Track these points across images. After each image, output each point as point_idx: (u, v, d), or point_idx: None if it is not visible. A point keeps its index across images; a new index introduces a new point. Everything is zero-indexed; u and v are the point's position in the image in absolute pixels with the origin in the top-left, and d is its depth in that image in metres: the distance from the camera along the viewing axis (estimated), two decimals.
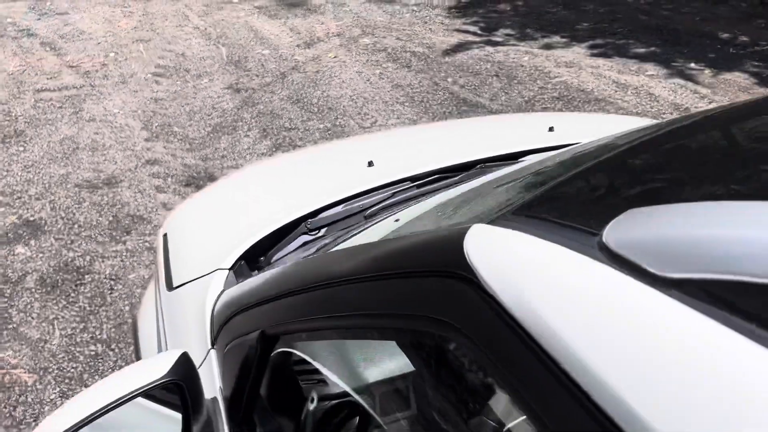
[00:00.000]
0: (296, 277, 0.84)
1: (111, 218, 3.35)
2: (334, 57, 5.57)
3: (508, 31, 6.15)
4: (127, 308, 2.74)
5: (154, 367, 0.84)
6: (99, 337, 2.59)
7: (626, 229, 0.50)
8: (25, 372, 2.43)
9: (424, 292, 0.56)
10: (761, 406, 0.35)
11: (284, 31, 6.30)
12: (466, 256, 0.53)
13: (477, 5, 6.97)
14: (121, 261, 3.02)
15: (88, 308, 2.74)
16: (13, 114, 4.66)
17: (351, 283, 0.71)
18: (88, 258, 3.04)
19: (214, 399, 0.98)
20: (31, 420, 2.23)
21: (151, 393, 0.85)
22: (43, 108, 4.75)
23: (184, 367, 0.85)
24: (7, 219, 3.37)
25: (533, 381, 0.43)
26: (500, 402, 0.61)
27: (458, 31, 6.16)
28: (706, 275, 0.42)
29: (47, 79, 5.34)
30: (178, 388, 0.84)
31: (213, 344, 1.08)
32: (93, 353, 2.51)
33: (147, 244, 3.12)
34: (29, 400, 2.31)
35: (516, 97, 4.76)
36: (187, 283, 1.34)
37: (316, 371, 0.95)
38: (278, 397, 0.89)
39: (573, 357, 0.41)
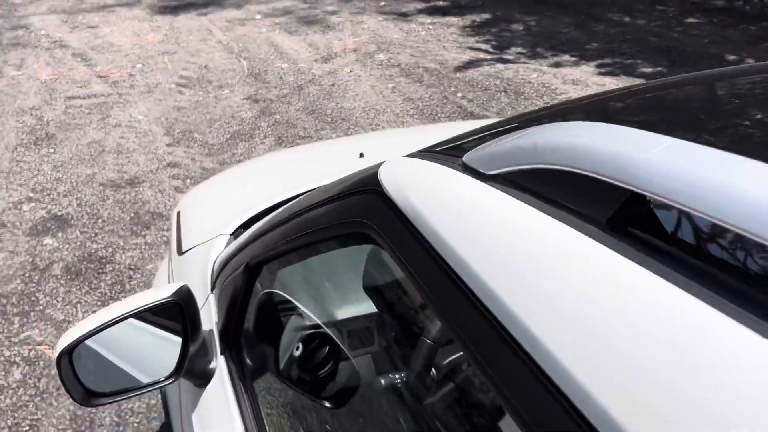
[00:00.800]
0: (272, 220, 1.03)
1: (132, 214, 3.58)
2: (350, 71, 5.80)
3: (519, 49, 6.35)
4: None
5: (160, 292, 1.03)
6: None
7: (476, 150, 0.69)
8: (49, 348, 2.64)
9: (355, 204, 0.76)
10: (534, 252, 0.53)
11: (303, 47, 6.56)
12: (378, 176, 0.73)
13: (491, 24, 7.20)
14: (140, 253, 3.24)
15: (108, 294, 2.95)
16: (45, 119, 4.94)
17: (309, 211, 0.90)
18: (110, 249, 3.27)
19: (211, 330, 1.17)
20: (54, 390, 2.43)
21: (157, 318, 1.04)
22: (73, 114, 5.03)
23: (185, 294, 1.04)
24: (37, 213, 3.61)
25: (412, 253, 0.62)
26: (396, 270, 0.81)
27: (471, 48, 6.38)
28: (509, 169, 0.62)
29: (77, 87, 5.64)
30: (179, 308, 1.03)
31: (212, 290, 1.28)
32: None
33: (165, 238, 3.34)
34: (53, 373, 2.51)
35: (522, 111, 4.94)
36: (194, 247, 1.53)
37: (295, 308, 1.14)
38: (261, 327, 1.08)
39: (436, 234, 0.60)
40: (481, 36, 6.80)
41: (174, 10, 8.25)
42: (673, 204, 0.46)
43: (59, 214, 3.60)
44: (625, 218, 0.50)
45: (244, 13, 7.94)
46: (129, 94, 5.45)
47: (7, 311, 2.85)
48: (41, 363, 2.56)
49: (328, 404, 1.05)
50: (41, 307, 2.87)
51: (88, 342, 1.02)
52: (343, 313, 1.14)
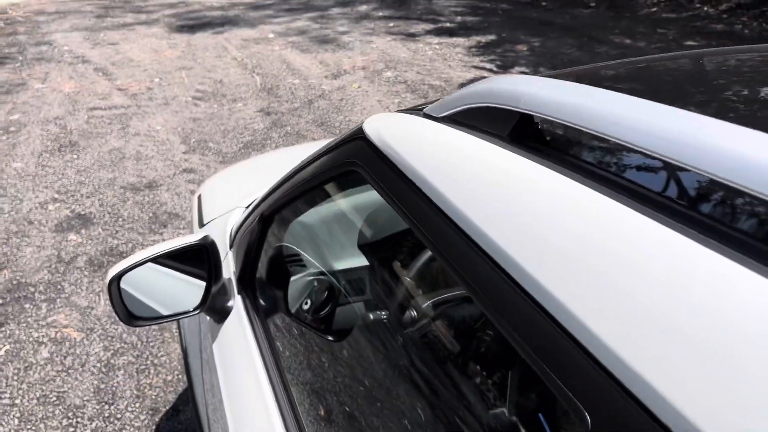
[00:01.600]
0: (281, 177, 1.25)
1: (151, 214, 3.81)
2: (358, 87, 6.06)
3: (522, 68, 6.60)
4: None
5: (190, 237, 1.24)
6: None
7: (433, 103, 0.91)
8: (74, 330, 2.86)
9: (347, 150, 0.98)
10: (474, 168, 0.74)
11: (314, 64, 6.84)
12: (363, 127, 0.95)
13: (496, 45, 7.45)
14: None
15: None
16: (69, 128, 5.21)
17: (311, 162, 1.11)
18: (130, 245, 3.49)
19: (229, 279, 1.38)
20: (78, 366, 2.64)
21: (186, 263, 1.25)
22: (95, 123, 5.30)
23: (209, 241, 1.25)
24: (62, 212, 3.85)
25: (389, 178, 0.83)
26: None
27: (475, 67, 6.63)
28: (450, 111, 0.84)
29: (99, 99, 5.92)
30: (205, 250, 1.24)
31: (230, 247, 1.48)
32: None
33: (182, 234, 3.56)
34: (77, 352, 2.73)
35: None
36: (214, 219, 1.75)
37: (301, 257, 1.35)
38: (272, 272, 1.29)
39: (408, 164, 0.81)
40: (486, 56, 7.05)
41: (191, 28, 8.58)
42: (549, 118, 0.68)
43: (82, 213, 3.84)
44: (519, 133, 0.73)
45: (259, 33, 8.25)
46: (147, 105, 5.72)
47: (35, 298, 3.07)
48: (67, 343, 2.77)
49: (330, 338, 1.26)
50: (66, 295, 3.09)
51: (131, 275, 1.23)
52: (343, 259, 1.35)
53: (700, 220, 0.53)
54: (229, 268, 1.41)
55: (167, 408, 2.44)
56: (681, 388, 0.42)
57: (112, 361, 2.67)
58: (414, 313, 1.18)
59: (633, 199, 0.57)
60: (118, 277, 1.22)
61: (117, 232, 3.63)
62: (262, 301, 1.28)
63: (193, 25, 8.78)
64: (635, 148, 0.59)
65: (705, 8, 8.84)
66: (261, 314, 1.26)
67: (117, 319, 1.33)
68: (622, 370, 0.46)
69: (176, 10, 9.77)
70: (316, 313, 1.26)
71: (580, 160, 0.69)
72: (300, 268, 1.33)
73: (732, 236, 0.50)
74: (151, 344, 2.76)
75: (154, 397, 2.49)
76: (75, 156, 4.66)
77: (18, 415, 2.41)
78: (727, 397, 0.40)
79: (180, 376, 2.58)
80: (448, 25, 8.53)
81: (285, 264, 1.31)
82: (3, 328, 2.86)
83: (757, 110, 0.76)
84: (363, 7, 9.67)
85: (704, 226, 0.51)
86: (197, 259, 1.26)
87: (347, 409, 1.07)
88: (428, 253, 1.14)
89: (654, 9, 9.10)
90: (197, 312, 1.28)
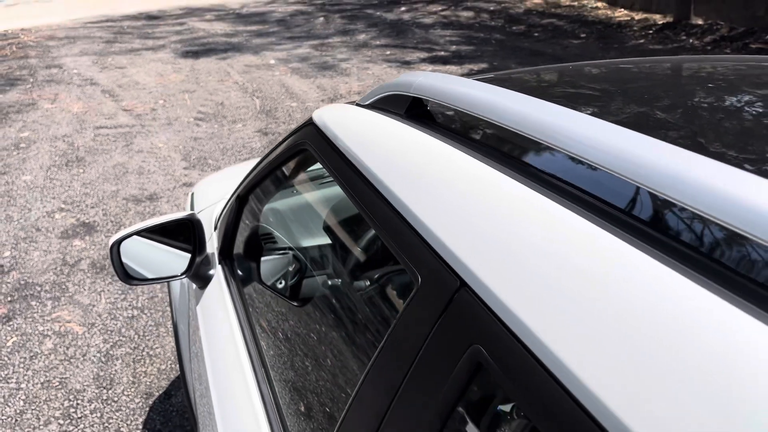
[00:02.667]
0: (256, 163, 1.49)
1: None
2: None
3: None
4: (159, 290, 3.39)
5: (177, 214, 1.48)
6: (135, 305, 3.24)
7: (365, 95, 1.17)
8: (77, 325, 3.08)
9: (301, 133, 1.23)
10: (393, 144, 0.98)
11: (312, 89, 7.14)
12: (312, 116, 1.20)
13: (487, 72, 7.75)
14: None
15: (128, 286, 3.40)
16: (76, 144, 5.49)
17: (276, 148, 1.36)
18: None
19: (212, 253, 1.62)
20: (80, 356, 2.86)
21: (175, 238, 1.49)
22: (101, 141, 5.58)
23: (195, 217, 1.49)
24: (68, 220, 4.10)
25: (329, 156, 1.07)
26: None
27: None
28: (372, 99, 1.09)
29: (105, 119, 6.21)
30: (191, 224, 1.48)
31: (214, 229, 1.72)
32: (130, 315, 3.15)
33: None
34: (79, 343, 2.95)
35: None
36: (202, 210, 1.99)
37: (272, 234, 1.59)
38: (247, 246, 1.52)
39: (344, 144, 1.05)
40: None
41: (195, 54, 8.93)
42: (433, 100, 0.93)
43: (87, 221, 4.09)
44: (411, 111, 0.98)
45: (261, 59, 8.59)
46: (151, 125, 6.01)
47: (41, 296, 3.30)
48: (69, 336, 2.99)
49: (295, 303, 1.49)
50: (70, 294, 3.32)
51: (131, 246, 1.47)
52: (308, 236, 1.60)
53: (535, 173, 0.76)
54: (212, 245, 1.65)
55: (160, 393, 2.66)
56: (565, 342, 0.52)
57: (110, 352, 2.90)
58: (366, 282, 1.41)
59: (496, 161, 0.81)
60: (118, 242, 1.46)
61: None
62: (239, 271, 1.52)
63: (198, 51, 9.13)
64: (493, 121, 0.84)
65: (690, 40, 9.18)
66: (237, 281, 1.49)
67: (117, 278, 1.58)
68: (511, 314, 0.58)
69: (182, 37, 10.13)
70: (283, 281, 1.50)
71: (452, 130, 0.94)
72: (272, 243, 1.57)
73: (574, 195, 0.70)
74: (147, 338, 2.99)
75: (148, 383, 2.71)
76: (81, 170, 4.93)
77: (23, 397, 2.63)
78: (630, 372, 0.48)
79: (173, 365, 2.80)
80: (442, 53, 8.86)
81: (259, 239, 1.55)
82: (11, 322, 3.09)
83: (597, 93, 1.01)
84: (362, 36, 10.02)
85: (539, 178, 0.73)
86: (186, 234, 1.50)
87: (304, 353, 1.30)
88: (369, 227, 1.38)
89: (641, 41, 9.44)
90: (184, 276, 1.52)
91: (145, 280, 1.53)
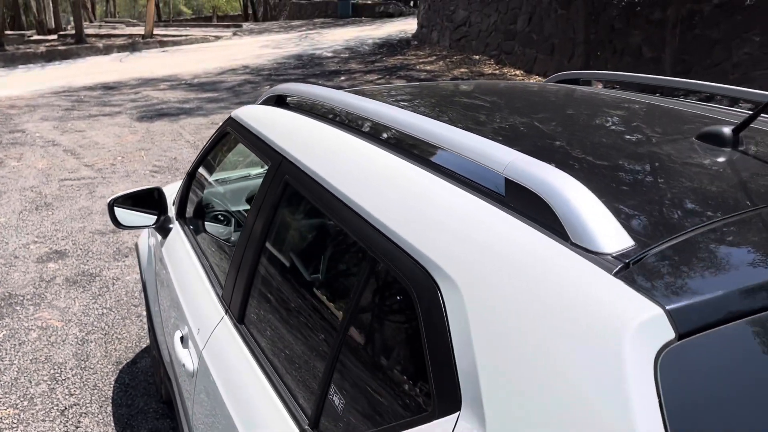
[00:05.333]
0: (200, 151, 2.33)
1: (114, 249, 4.78)
2: None
3: None
4: (124, 295, 4.10)
5: (150, 186, 2.29)
6: (105, 306, 3.94)
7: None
8: (56, 321, 3.77)
9: (226, 124, 2.06)
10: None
11: (245, 160, 8.01)
12: (233, 113, 2.04)
13: None
14: (121, 271, 4.42)
15: (97, 293, 4.11)
16: (44, 193, 6.19)
17: (211, 138, 2.20)
18: (98, 269, 4.44)
19: (172, 216, 2.41)
20: (60, 341, 3.54)
21: (146, 207, 2.29)
22: (66, 190, 6.29)
23: (160, 188, 2.28)
24: (42, 249, 4.79)
25: (249, 138, 1.90)
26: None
27: None
28: (263, 98, 1.94)
29: (68, 172, 6.93)
30: (158, 192, 2.28)
31: (173, 204, 2.52)
32: (100, 313, 3.86)
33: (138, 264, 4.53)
34: (59, 333, 3.63)
35: None
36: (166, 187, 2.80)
37: (211, 200, 2.41)
38: (196, 208, 2.32)
39: (253, 127, 1.87)
40: None
41: (150, 118, 9.75)
42: (292, 95, 1.80)
43: (59, 250, 4.79)
44: (279, 103, 1.85)
45: (210, 120, 9.46)
46: (111, 177, 6.76)
47: (24, 303, 3.98)
48: (50, 329, 3.68)
49: (227, 247, 2.29)
50: (48, 301, 4.01)
51: (119, 207, 2.27)
52: (237, 201, 2.43)
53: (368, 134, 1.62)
54: (172, 212, 2.45)
55: (128, 361, 3.36)
56: (411, 231, 1.47)
57: (86, 338, 3.59)
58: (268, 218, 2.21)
59: (326, 122, 1.65)
60: (112, 203, 2.27)
61: (88, 261, 4.58)
62: (189, 225, 2.32)
63: (153, 115, 9.96)
64: (323, 103, 1.70)
65: None
66: (191, 230, 2.29)
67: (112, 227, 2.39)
68: (397, 234, 1.50)
69: (137, 104, 10.97)
70: (221, 225, 2.32)
71: (297, 109, 1.79)
72: (211, 203, 2.40)
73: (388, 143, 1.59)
74: (116, 327, 3.69)
75: (117, 356, 3.41)
76: (50, 212, 5.63)
77: (16, 369, 3.30)
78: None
79: (137, 343, 3.51)
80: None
81: (201, 202, 2.37)
82: (1, 321, 3.76)
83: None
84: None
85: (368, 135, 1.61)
86: (155, 201, 2.31)
87: (237, 264, 2.09)
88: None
89: None
90: (154, 226, 2.32)
91: (129, 227, 2.32)
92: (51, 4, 29.27)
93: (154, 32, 22.14)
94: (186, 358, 1.70)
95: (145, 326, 3.67)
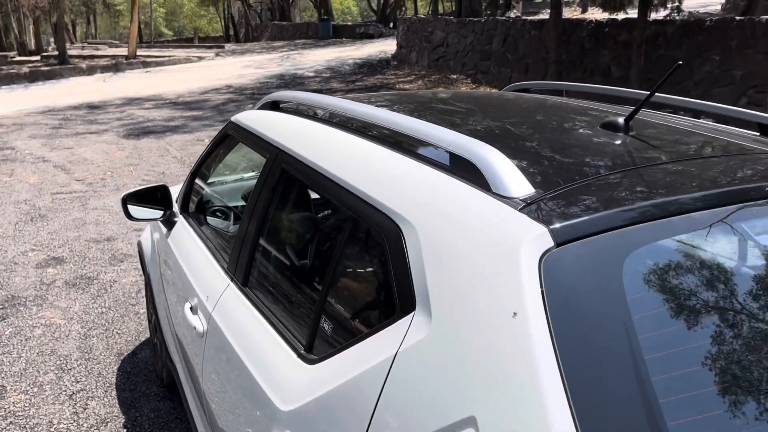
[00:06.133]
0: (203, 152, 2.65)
1: (110, 255, 5.05)
2: None
3: None
4: (122, 296, 4.38)
5: (153, 185, 2.60)
6: (104, 305, 4.21)
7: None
8: (59, 319, 4.03)
9: (227, 127, 2.38)
10: None
11: (242, 160, 8.31)
12: (233, 117, 2.37)
13: None
14: (117, 274, 4.70)
15: (96, 294, 4.38)
16: (37, 206, 6.44)
17: (213, 140, 2.51)
18: (95, 272, 4.71)
19: (176, 210, 2.71)
20: (64, 336, 3.81)
21: (154, 203, 2.60)
22: (59, 202, 6.55)
23: (166, 186, 2.59)
24: (40, 256, 5.05)
25: (248, 138, 2.21)
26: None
27: None
28: (261, 103, 2.28)
29: (60, 186, 7.18)
30: (162, 188, 2.59)
31: (176, 201, 2.82)
32: (100, 312, 4.13)
33: (133, 267, 4.81)
34: (62, 329, 3.90)
35: None
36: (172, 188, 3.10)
37: (212, 195, 2.73)
38: (198, 204, 2.62)
39: (251, 127, 2.19)
40: None
41: (137, 135, 10.03)
42: (283, 101, 2.14)
43: (57, 256, 5.05)
44: (273, 107, 2.18)
45: (195, 137, 9.76)
46: (102, 190, 7.02)
47: (27, 303, 4.24)
48: (53, 326, 3.94)
49: (229, 233, 2.60)
50: (50, 302, 4.27)
51: (129, 203, 2.58)
52: (234, 197, 2.74)
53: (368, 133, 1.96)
54: (176, 208, 2.76)
55: (128, 352, 3.64)
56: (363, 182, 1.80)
57: (88, 333, 3.86)
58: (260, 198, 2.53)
59: (312, 119, 1.98)
60: (125, 199, 2.57)
61: (85, 266, 4.85)
62: (193, 217, 2.62)
63: (139, 132, 10.24)
64: (309, 105, 2.04)
65: None
66: (194, 221, 2.60)
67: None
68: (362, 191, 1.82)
69: (123, 122, 11.24)
70: (220, 218, 2.63)
71: (290, 111, 2.12)
72: (212, 199, 2.71)
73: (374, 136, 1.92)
74: (116, 324, 3.97)
75: (118, 348, 3.68)
76: (45, 223, 5.88)
77: (24, 361, 3.56)
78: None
79: (137, 337, 3.79)
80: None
81: (203, 197, 2.68)
82: (5, 320, 4.01)
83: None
84: None
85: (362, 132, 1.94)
86: (161, 199, 2.63)
87: (239, 245, 2.40)
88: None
89: None
90: (161, 218, 2.63)
91: (139, 220, 2.63)
92: (32, 26, 29.48)
93: (137, 53, 22.43)
94: (196, 322, 2.01)
95: (143, 323, 3.95)
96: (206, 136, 9.82)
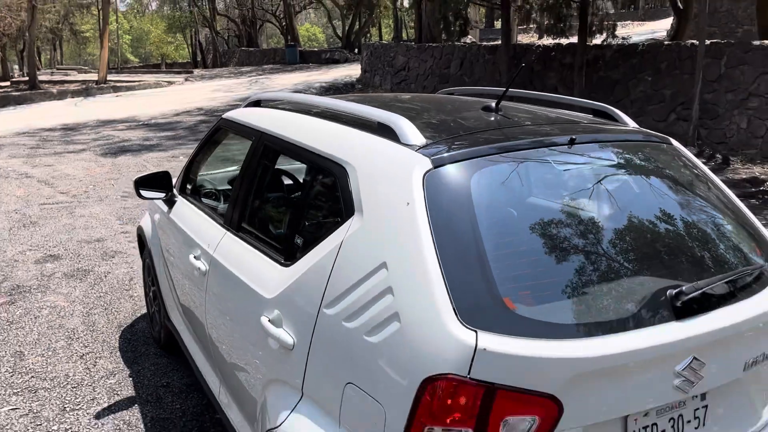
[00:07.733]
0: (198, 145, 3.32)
1: (102, 252, 5.64)
2: None
3: None
4: (116, 283, 4.97)
5: (157, 171, 3.24)
6: (101, 291, 4.81)
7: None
8: (63, 302, 4.61)
9: (219, 123, 3.06)
10: None
11: (230, 153, 8.95)
12: (224, 114, 3.05)
13: None
14: (110, 267, 5.29)
15: (93, 282, 4.97)
16: (28, 215, 6.98)
17: (206, 134, 3.17)
18: (90, 266, 5.30)
19: (175, 192, 3.35)
20: (69, 315, 4.39)
21: (158, 187, 3.25)
22: (47, 211, 7.10)
23: (168, 172, 3.24)
24: (38, 254, 5.61)
25: (239, 128, 2.88)
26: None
27: None
28: (247, 102, 2.97)
29: (46, 198, 7.72)
30: (165, 174, 3.23)
31: (175, 188, 3.47)
32: (99, 295, 4.71)
33: (124, 261, 5.41)
34: (67, 309, 4.48)
35: None
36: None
37: (207, 178, 3.39)
38: (194, 185, 3.27)
39: (243, 120, 2.86)
40: None
41: (114, 154, 10.59)
42: (266, 99, 2.83)
43: (53, 254, 5.62)
44: (255, 105, 2.88)
45: (171, 154, 10.36)
46: (87, 201, 7.59)
47: (32, 291, 4.81)
48: (58, 307, 4.52)
49: (221, 203, 3.26)
50: (53, 289, 4.85)
51: (140, 185, 3.23)
52: (223, 183, 3.42)
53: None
54: (176, 191, 3.42)
55: (128, 324, 4.24)
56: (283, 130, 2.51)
57: (90, 311, 4.45)
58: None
59: (301, 113, 2.67)
60: (137, 182, 3.23)
61: (80, 261, 5.43)
62: (189, 197, 3.28)
63: (116, 151, 10.80)
64: (283, 102, 2.74)
65: None
66: (191, 197, 3.25)
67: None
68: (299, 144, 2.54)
69: (100, 142, 11.78)
70: (211, 198, 3.30)
71: (274, 107, 2.81)
72: (206, 182, 3.38)
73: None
74: (114, 304, 4.56)
75: (118, 322, 4.28)
76: (37, 229, 6.44)
77: (36, 333, 4.14)
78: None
79: (133, 314, 4.39)
80: None
81: (197, 184, 3.34)
82: (15, 304, 4.58)
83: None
84: None
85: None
86: (163, 183, 3.29)
87: (231, 213, 3.05)
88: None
89: None
90: (165, 198, 3.29)
91: (148, 198, 3.29)
92: None
93: (108, 78, 22.91)
94: (200, 264, 2.66)
95: (138, 303, 4.55)
96: (181, 154, 10.42)
